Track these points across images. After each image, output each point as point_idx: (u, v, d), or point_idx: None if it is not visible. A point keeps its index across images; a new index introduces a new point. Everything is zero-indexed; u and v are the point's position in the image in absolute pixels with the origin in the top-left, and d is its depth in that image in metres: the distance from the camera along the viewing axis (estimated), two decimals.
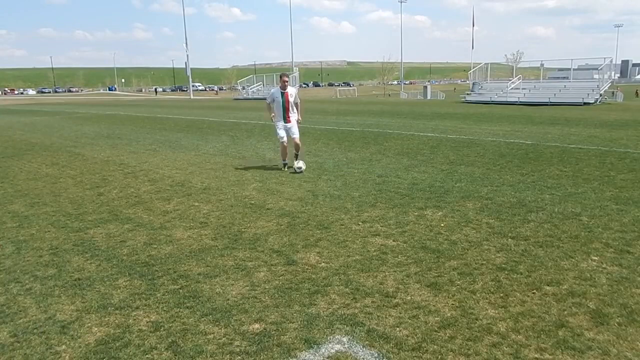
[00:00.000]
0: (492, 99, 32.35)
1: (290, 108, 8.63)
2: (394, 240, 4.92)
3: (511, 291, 3.71)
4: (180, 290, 3.90)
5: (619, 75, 60.60)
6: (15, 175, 9.21)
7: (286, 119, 8.68)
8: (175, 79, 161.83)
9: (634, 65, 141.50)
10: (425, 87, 54.78)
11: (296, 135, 8.74)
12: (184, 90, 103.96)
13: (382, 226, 5.40)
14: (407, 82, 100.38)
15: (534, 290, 3.71)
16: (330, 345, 3.04)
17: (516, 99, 30.90)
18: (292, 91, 8.69)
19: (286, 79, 8.59)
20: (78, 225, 5.79)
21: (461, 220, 5.54)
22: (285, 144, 8.70)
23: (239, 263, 4.45)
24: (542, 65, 36.42)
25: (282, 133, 8.73)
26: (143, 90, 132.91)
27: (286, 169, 8.62)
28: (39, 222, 5.97)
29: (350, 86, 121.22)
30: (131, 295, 3.85)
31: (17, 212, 6.49)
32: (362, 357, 2.91)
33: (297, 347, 3.04)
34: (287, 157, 8.82)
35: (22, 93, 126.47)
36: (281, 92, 8.55)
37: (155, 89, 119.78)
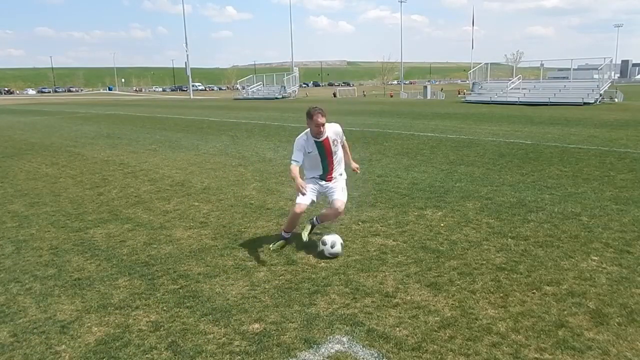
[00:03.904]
0: (492, 99, 32.32)
1: (334, 159, 4.89)
2: (393, 240, 4.93)
3: (511, 291, 3.71)
4: (180, 290, 3.90)
5: (618, 75, 60.57)
6: (15, 175, 9.21)
7: (326, 175, 4.93)
8: (175, 78, 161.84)
9: (634, 65, 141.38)
10: (425, 87, 54.79)
11: (341, 198, 4.85)
12: (184, 90, 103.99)
13: (382, 226, 5.40)
14: (407, 82, 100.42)
15: (534, 290, 3.72)
16: (330, 345, 3.05)
17: (516, 99, 30.88)
18: (332, 134, 4.84)
19: (321, 119, 4.66)
20: (78, 225, 5.79)
21: (461, 220, 5.54)
22: (300, 210, 4.80)
23: (239, 263, 4.45)
24: (542, 65, 36.39)
25: (302, 198, 4.76)
26: (143, 90, 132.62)
27: (274, 247, 4.88)
28: (39, 222, 5.97)
29: (350, 86, 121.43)
30: (131, 295, 3.85)
31: (17, 212, 6.49)
32: (362, 357, 2.91)
33: (297, 347, 3.04)
34: (293, 228, 5.06)
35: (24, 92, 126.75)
36: (316, 142, 4.76)
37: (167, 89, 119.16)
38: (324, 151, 4.80)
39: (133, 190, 7.58)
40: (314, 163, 4.89)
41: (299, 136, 4.80)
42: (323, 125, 4.67)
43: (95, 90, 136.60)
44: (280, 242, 4.89)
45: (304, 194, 4.67)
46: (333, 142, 4.81)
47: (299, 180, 4.63)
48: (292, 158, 4.78)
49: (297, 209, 4.77)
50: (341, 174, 5.02)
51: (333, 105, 34.69)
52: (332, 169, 4.92)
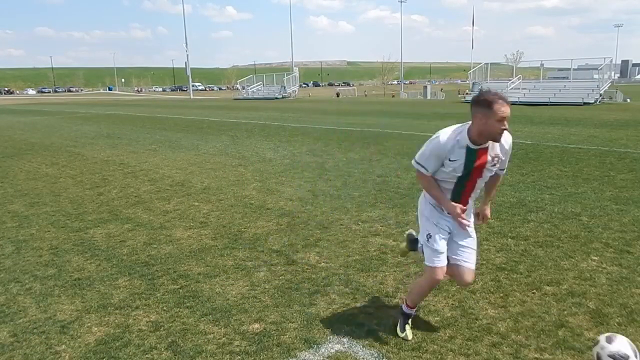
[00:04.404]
0: None
1: (476, 188, 2.97)
2: (394, 240, 4.92)
3: (511, 291, 3.71)
4: (180, 290, 3.90)
5: (618, 75, 60.54)
6: (15, 175, 9.21)
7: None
8: (175, 78, 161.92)
9: (634, 65, 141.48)
10: (425, 87, 54.86)
11: (473, 265, 3.07)
12: (184, 90, 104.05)
13: (382, 226, 5.39)
14: (407, 82, 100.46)
15: (534, 290, 3.72)
16: (330, 345, 3.05)
17: (516, 99, 30.86)
18: (497, 147, 2.81)
19: (507, 110, 2.62)
20: (78, 225, 5.79)
21: None
22: (442, 276, 3.05)
23: (238, 263, 4.45)
24: (542, 65, 36.43)
25: (442, 259, 2.99)
26: (143, 90, 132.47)
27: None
28: (39, 222, 5.97)
29: (350, 86, 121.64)
30: (131, 295, 3.85)
31: (17, 212, 6.49)
32: (362, 357, 2.91)
33: (297, 347, 3.04)
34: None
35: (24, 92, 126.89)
36: (469, 150, 2.77)
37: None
38: (471, 169, 2.81)
39: (133, 190, 7.58)
40: (442, 185, 2.93)
41: (445, 132, 2.79)
42: (508, 120, 2.64)
43: (95, 90, 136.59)
44: (409, 326, 3.14)
45: (467, 227, 2.95)
46: (493, 159, 2.82)
47: (456, 207, 2.90)
48: (420, 161, 2.89)
49: (438, 276, 2.99)
50: (474, 207, 3.12)
51: (335, 105, 34.72)
52: (467, 204, 2.97)
